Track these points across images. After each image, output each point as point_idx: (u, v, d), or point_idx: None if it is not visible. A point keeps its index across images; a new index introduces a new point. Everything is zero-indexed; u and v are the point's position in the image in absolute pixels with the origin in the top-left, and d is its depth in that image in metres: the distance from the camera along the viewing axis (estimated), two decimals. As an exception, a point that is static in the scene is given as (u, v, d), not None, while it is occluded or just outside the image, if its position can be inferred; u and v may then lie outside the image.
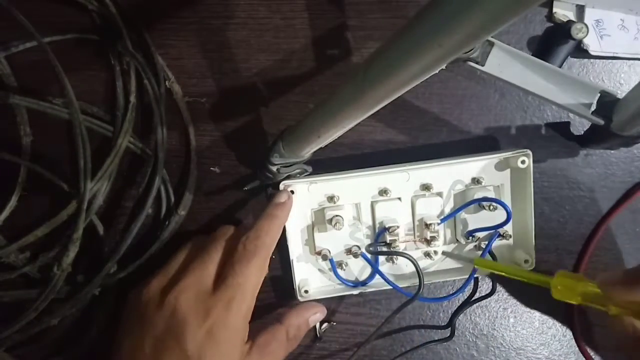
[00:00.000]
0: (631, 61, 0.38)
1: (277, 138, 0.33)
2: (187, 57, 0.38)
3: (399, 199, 0.37)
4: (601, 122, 0.33)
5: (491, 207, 0.36)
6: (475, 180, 0.37)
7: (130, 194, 0.38)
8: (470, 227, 0.37)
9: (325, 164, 0.38)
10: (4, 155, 0.37)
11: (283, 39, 0.38)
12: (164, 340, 0.30)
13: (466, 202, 0.36)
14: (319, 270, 0.38)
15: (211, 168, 0.39)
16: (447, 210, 0.37)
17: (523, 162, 0.35)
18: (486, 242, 0.36)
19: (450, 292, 0.39)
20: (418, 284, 0.33)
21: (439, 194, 0.37)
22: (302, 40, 0.38)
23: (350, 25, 0.38)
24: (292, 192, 0.35)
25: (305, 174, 0.36)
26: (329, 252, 0.37)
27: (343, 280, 0.37)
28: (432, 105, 0.39)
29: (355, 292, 0.38)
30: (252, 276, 0.32)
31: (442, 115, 0.39)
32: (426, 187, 0.37)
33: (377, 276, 0.37)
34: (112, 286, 0.38)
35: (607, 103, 0.33)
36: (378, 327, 0.35)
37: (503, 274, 0.34)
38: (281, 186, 0.35)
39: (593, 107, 0.33)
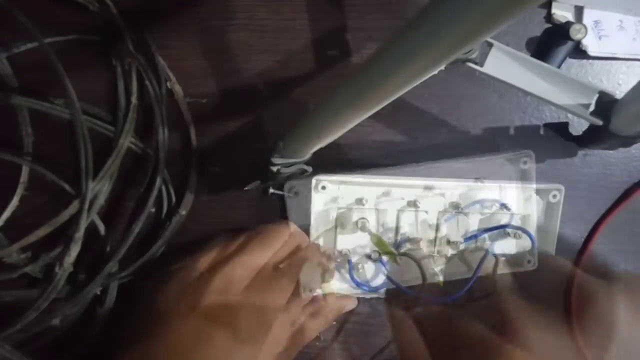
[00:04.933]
0: (630, 62, 0.39)
1: (277, 138, 0.34)
2: (188, 58, 0.38)
3: (426, 212, 0.37)
4: (600, 122, 0.33)
5: (516, 235, 0.36)
6: (504, 207, 0.37)
7: (131, 194, 0.39)
8: (492, 251, 0.37)
9: (326, 164, 0.38)
10: (5, 156, 0.37)
11: (283, 40, 0.38)
12: (216, 311, 0.30)
13: (493, 226, 0.36)
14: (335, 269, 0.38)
15: (212, 168, 0.39)
16: (471, 231, 0.37)
17: (555, 196, 0.36)
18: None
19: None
20: (421, 282, 0.33)
21: (466, 214, 0.37)
22: (303, 41, 0.38)
23: (350, 27, 0.38)
24: (324, 187, 0.36)
25: (306, 174, 0.36)
26: (350, 252, 0.37)
27: (358, 283, 0.37)
28: (431, 106, 0.39)
29: (368, 296, 0.38)
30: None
31: (441, 115, 0.39)
32: (455, 206, 0.37)
33: (387, 283, 0.37)
34: (113, 286, 0.38)
35: (605, 103, 0.33)
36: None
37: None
38: (313, 181, 0.35)
39: (592, 108, 0.33)
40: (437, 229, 0.37)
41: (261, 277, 0.31)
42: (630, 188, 0.40)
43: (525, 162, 0.36)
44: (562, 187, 0.36)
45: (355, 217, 0.36)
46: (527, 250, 0.37)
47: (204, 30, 0.38)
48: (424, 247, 0.37)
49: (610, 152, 0.39)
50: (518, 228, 0.36)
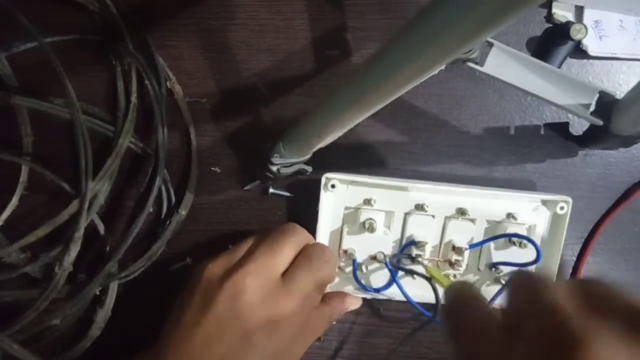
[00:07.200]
0: (630, 62, 0.39)
1: (277, 138, 0.34)
2: (188, 58, 0.38)
3: (433, 216, 0.37)
4: (600, 122, 0.33)
5: (522, 245, 0.36)
6: (510, 216, 0.37)
7: (131, 193, 0.39)
8: (496, 260, 0.37)
9: (325, 164, 0.38)
10: (5, 155, 0.37)
11: (283, 39, 0.38)
12: (227, 320, 0.30)
13: (498, 234, 0.36)
14: (339, 268, 0.38)
15: (212, 168, 0.39)
16: (477, 238, 0.37)
17: (562, 208, 0.36)
18: (507, 278, 0.37)
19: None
20: (435, 304, 0.33)
21: (472, 221, 0.37)
22: (302, 41, 0.38)
23: (350, 26, 0.38)
24: (333, 186, 0.36)
25: (306, 174, 0.36)
26: (355, 252, 0.37)
27: (361, 284, 0.37)
28: (432, 106, 0.39)
29: (369, 296, 0.38)
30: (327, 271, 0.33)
31: (441, 115, 0.39)
32: (462, 212, 0.37)
33: (389, 285, 0.37)
34: (113, 286, 0.38)
35: (606, 103, 0.33)
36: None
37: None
38: (323, 179, 0.35)
39: (592, 108, 0.33)
40: (443, 234, 0.37)
41: (270, 283, 0.31)
42: (631, 188, 0.40)
43: (562, 208, 0.36)
44: (570, 200, 0.36)
45: (362, 217, 0.36)
46: None
47: (203, 30, 0.38)
48: (429, 252, 0.37)
49: (611, 152, 0.39)
50: (524, 237, 0.35)
